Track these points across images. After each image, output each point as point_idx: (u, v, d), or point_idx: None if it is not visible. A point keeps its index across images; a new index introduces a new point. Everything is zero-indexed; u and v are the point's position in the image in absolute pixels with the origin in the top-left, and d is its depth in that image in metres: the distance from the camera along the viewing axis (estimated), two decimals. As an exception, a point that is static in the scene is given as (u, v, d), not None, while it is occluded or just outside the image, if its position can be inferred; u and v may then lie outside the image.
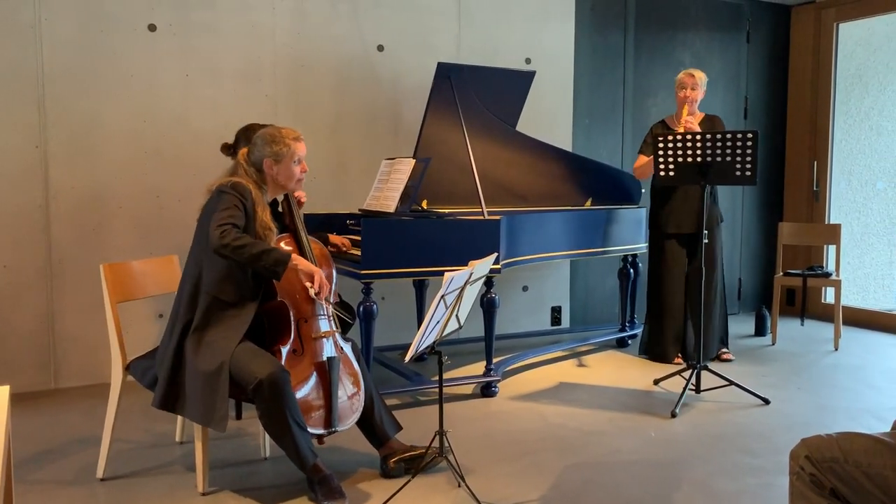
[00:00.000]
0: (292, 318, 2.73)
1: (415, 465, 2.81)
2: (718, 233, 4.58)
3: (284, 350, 2.67)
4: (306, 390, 2.68)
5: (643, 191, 5.04)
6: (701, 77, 4.41)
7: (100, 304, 2.99)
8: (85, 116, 4.06)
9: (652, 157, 3.98)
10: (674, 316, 4.55)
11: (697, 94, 4.39)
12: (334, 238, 3.32)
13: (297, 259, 2.66)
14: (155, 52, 4.17)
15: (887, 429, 1.59)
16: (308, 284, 2.69)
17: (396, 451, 2.89)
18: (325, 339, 2.78)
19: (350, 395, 2.80)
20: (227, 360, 2.54)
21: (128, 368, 2.83)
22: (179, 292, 2.77)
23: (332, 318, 2.84)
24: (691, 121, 4.32)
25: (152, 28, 4.15)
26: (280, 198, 2.95)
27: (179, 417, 3.23)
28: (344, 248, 3.33)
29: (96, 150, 4.09)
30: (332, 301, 2.84)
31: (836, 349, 4.99)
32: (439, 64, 3.95)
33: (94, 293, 3.97)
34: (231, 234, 2.55)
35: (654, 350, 4.69)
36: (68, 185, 4.04)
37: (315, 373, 2.72)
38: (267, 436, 3.01)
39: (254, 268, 2.61)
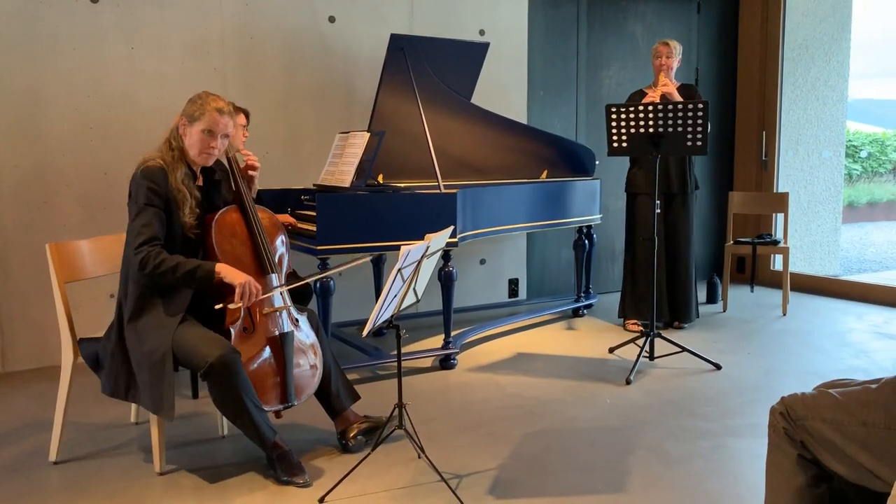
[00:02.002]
0: None
1: (373, 436, 2.83)
2: (692, 199, 4.67)
3: (234, 329, 2.63)
4: (260, 367, 2.65)
5: (597, 163, 5.09)
6: (675, 46, 4.50)
7: (47, 284, 2.92)
8: (26, 91, 3.91)
9: None
10: (647, 276, 4.57)
11: (672, 61, 4.48)
12: (282, 218, 3.27)
13: (220, 270, 2.54)
14: (98, 24, 4.03)
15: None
16: (230, 301, 2.53)
17: (353, 422, 2.88)
18: (277, 314, 2.75)
19: (308, 368, 2.79)
20: (169, 350, 2.49)
21: (79, 343, 2.76)
22: (120, 277, 2.70)
23: (283, 292, 2.80)
24: (667, 82, 4.39)
25: (94, -1, 4.01)
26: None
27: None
28: (291, 228, 3.29)
29: (39, 126, 3.96)
30: (284, 274, 2.80)
31: (785, 314, 5.14)
32: (392, 35, 3.91)
33: (41, 274, 3.86)
34: (151, 261, 2.48)
35: (634, 312, 4.68)
36: (10, 163, 3.91)
37: (269, 349, 2.69)
38: (224, 414, 2.99)
39: (182, 286, 2.56)
